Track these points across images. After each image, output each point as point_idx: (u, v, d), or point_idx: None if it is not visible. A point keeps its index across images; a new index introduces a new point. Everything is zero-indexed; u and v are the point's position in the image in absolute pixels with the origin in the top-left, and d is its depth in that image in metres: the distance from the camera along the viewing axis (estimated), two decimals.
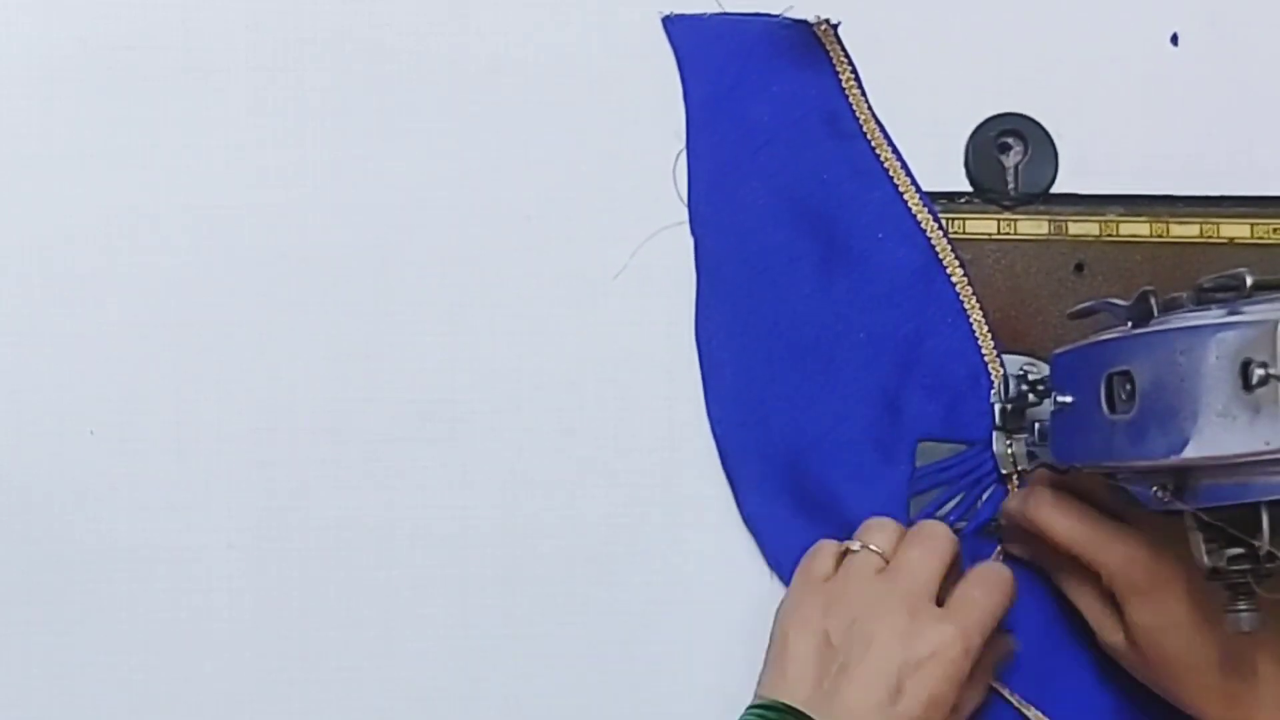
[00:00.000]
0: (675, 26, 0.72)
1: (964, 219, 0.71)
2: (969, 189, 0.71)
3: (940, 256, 0.70)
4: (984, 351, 0.70)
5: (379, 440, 0.69)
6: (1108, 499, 0.65)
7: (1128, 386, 0.58)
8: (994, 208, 0.71)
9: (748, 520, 0.70)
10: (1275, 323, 0.53)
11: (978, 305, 0.70)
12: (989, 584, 0.64)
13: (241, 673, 0.68)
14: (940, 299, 0.70)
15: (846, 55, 0.71)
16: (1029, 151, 0.71)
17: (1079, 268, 0.71)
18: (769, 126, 0.71)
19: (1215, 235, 0.71)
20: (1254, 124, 0.72)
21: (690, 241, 0.71)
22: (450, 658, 0.68)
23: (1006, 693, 0.68)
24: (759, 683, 0.64)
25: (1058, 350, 0.64)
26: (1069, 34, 0.72)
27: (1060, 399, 0.62)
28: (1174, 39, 0.72)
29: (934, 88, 0.72)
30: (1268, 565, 0.57)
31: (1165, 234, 0.71)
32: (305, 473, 0.69)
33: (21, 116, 0.70)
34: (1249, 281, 0.56)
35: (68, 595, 0.68)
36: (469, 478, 0.69)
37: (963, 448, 0.70)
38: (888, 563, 0.65)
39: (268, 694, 0.68)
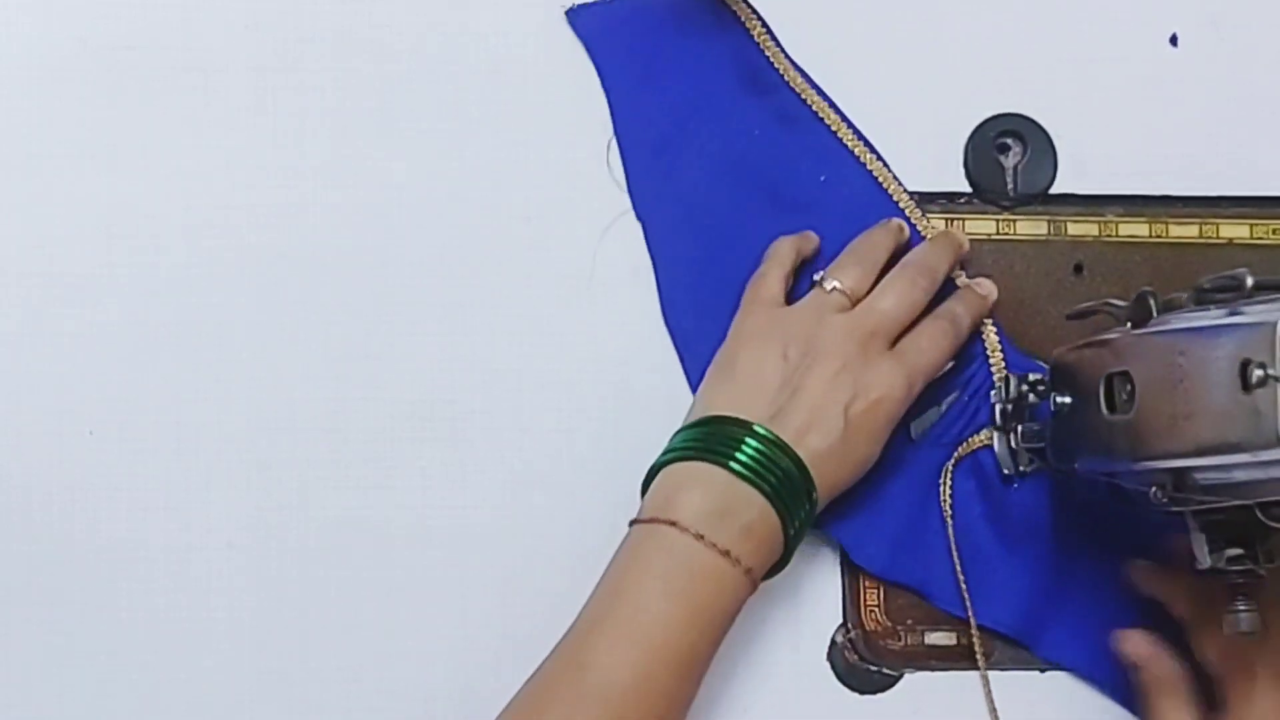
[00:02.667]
0: (579, 18, 0.71)
1: (963, 219, 0.71)
2: (968, 189, 0.71)
3: (884, 186, 0.70)
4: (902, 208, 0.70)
5: (379, 440, 0.69)
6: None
7: (1127, 387, 0.58)
8: (993, 208, 0.71)
9: None
10: (1275, 323, 0.53)
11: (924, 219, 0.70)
12: (938, 334, 0.66)
13: (241, 672, 0.68)
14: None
15: (753, 10, 0.71)
16: (1028, 152, 0.71)
17: (1078, 268, 0.71)
18: (692, 98, 0.71)
19: (1215, 236, 0.71)
20: (1254, 124, 0.72)
21: None
22: (450, 658, 0.68)
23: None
24: (698, 403, 0.65)
25: (1057, 351, 0.64)
26: (1069, 34, 0.72)
27: (1060, 399, 0.62)
28: (1174, 39, 0.72)
29: (934, 88, 0.72)
30: (1267, 565, 0.58)
31: (1164, 235, 0.71)
32: (305, 473, 0.69)
33: (21, 116, 0.70)
34: (1248, 282, 0.56)
35: (68, 595, 0.67)
36: (469, 478, 0.69)
37: None
38: (854, 303, 0.65)
39: (267, 693, 0.68)
